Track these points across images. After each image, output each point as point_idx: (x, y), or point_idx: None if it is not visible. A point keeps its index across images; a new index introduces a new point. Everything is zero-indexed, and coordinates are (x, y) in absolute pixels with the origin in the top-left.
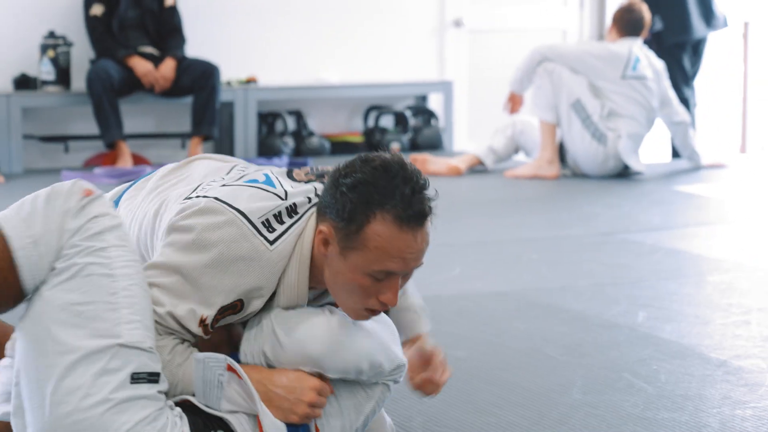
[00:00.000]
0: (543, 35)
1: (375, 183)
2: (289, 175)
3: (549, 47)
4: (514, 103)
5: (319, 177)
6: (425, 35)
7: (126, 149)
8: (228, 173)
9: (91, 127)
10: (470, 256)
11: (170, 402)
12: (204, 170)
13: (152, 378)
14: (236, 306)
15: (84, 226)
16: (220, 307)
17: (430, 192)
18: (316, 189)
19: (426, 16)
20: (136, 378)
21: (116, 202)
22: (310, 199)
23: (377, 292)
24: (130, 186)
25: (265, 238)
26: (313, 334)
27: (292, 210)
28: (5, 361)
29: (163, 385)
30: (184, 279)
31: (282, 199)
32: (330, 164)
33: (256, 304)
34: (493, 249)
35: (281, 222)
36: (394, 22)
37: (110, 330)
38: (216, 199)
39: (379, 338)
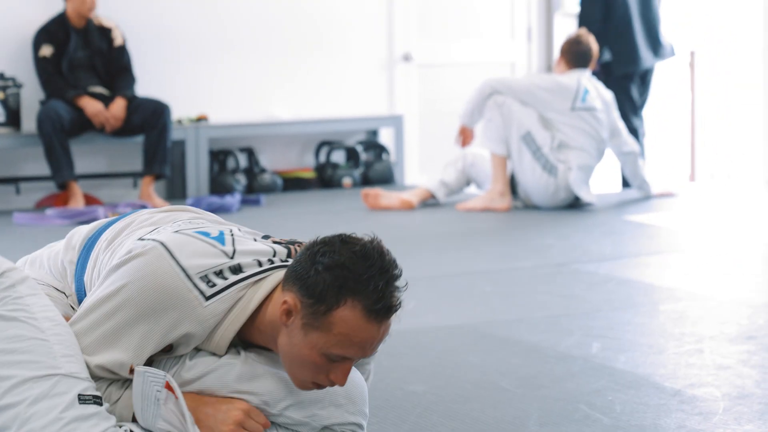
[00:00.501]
0: (492, 68)
1: (352, 269)
2: (265, 237)
3: (498, 80)
4: (465, 136)
5: (289, 243)
6: (375, 70)
7: (78, 190)
8: (189, 221)
9: (43, 168)
10: (424, 289)
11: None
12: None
13: (97, 400)
14: (165, 349)
15: None
16: (149, 355)
17: (400, 283)
18: (275, 252)
19: (375, 51)
20: (84, 399)
21: (94, 239)
22: (260, 262)
23: (328, 371)
24: (109, 225)
25: (201, 293)
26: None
27: (236, 269)
28: None
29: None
30: (114, 329)
31: (228, 257)
32: (282, 201)
33: (183, 349)
34: (446, 282)
35: (223, 278)
36: (344, 57)
37: (48, 362)
38: (162, 245)
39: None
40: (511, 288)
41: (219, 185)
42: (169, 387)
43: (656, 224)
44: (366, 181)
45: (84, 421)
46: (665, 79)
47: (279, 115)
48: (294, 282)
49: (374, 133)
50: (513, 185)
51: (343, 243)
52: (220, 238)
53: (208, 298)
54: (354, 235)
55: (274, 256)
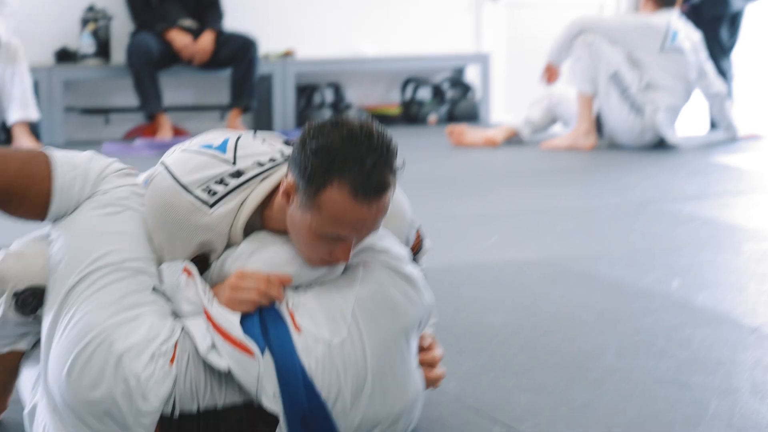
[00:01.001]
0: (580, 8)
1: (338, 150)
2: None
3: (588, 19)
4: (551, 74)
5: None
6: (463, 7)
7: (166, 121)
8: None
9: (132, 100)
10: (506, 225)
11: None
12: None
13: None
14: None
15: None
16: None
17: (396, 163)
18: (282, 152)
19: None
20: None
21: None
22: (260, 163)
23: (330, 249)
24: None
25: (204, 203)
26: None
27: (237, 174)
28: None
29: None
30: (154, 242)
31: (229, 164)
32: None
33: (214, 256)
34: (528, 218)
35: (224, 184)
36: None
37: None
38: (165, 167)
39: None
40: (593, 225)
41: (305, 120)
42: (186, 270)
43: (742, 166)
44: (451, 118)
45: (145, 305)
46: (755, 22)
47: (366, 51)
48: (290, 166)
49: (460, 70)
50: (599, 124)
51: (332, 126)
52: (222, 146)
53: (212, 206)
54: (346, 118)
55: (281, 156)
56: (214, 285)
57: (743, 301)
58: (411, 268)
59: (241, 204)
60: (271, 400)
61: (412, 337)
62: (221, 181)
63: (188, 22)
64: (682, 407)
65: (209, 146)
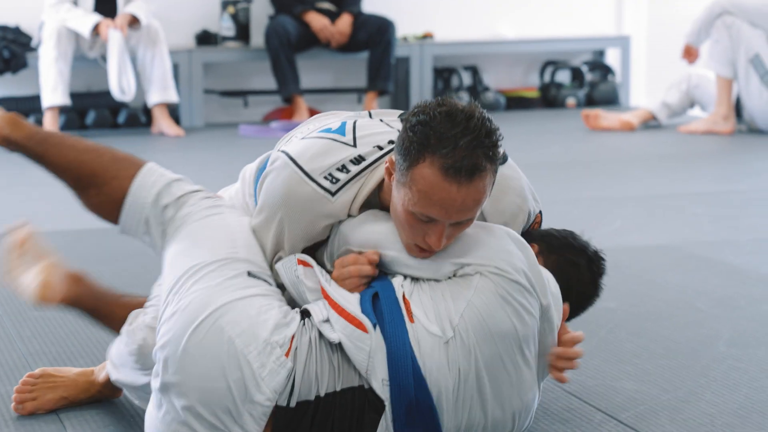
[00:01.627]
0: None
1: (435, 127)
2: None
3: (729, 0)
4: (690, 54)
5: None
6: None
7: (303, 104)
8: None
9: (270, 82)
10: (632, 209)
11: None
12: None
13: (268, 281)
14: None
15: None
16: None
17: (495, 151)
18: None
19: None
20: (252, 275)
21: (263, 168)
22: (380, 147)
23: (423, 232)
24: None
25: (327, 191)
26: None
27: (358, 160)
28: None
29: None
30: (271, 231)
31: (350, 147)
32: (504, 120)
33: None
34: (656, 203)
35: (346, 171)
36: None
37: (229, 251)
38: (286, 154)
39: None
40: (722, 210)
41: None
42: (301, 262)
43: None
44: (590, 101)
45: (248, 288)
46: None
47: (504, 33)
48: (395, 142)
49: (600, 53)
50: (738, 108)
51: (435, 105)
52: (341, 129)
53: (334, 194)
54: (450, 99)
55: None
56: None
57: None
58: (526, 278)
59: (360, 187)
60: (380, 385)
61: (527, 347)
62: (343, 168)
63: (326, 5)
64: None
65: (328, 130)
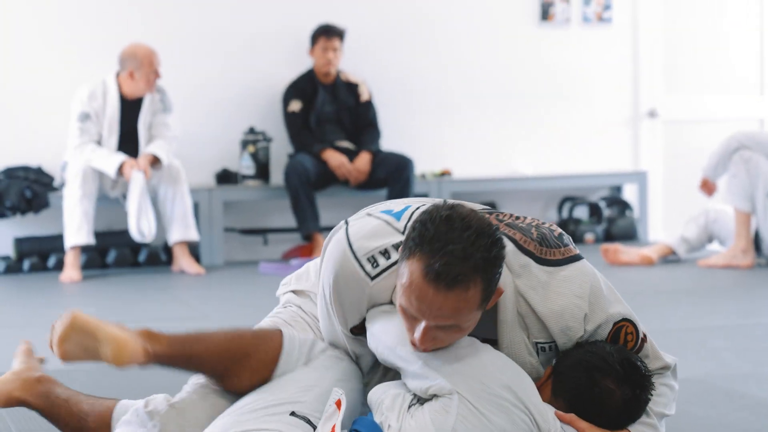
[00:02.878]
0: (739, 124)
1: (431, 228)
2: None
3: (746, 134)
4: (708, 189)
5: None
6: (619, 125)
7: (322, 241)
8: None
9: (290, 220)
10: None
11: None
12: None
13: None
14: None
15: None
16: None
17: (490, 269)
18: None
19: (620, 107)
20: (295, 414)
21: None
22: None
23: (411, 329)
24: None
25: (367, 274)
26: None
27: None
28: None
29: None
30: (324, 310)
31: (400, 233)
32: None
33: None
34: (677, 335)
35: (387, 257)
36: (588, 113)
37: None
38: (345, 226)
39: None
40: (744, 343)
41: None
42: (338, 403)
43: None
44: (608, 236)
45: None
46: None
47: (521, 170)
48: None
49: (618, 188)
50: (757, 242)
51: (444, 207)
52: (399, 213)
53: (373, 278)
54: (461, 205)
55: None
56: None
57: None
58: (514, 396)
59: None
60: None
61: None
62: (385, 252)
63: (345, 143)
64: None
65: (389, 212)
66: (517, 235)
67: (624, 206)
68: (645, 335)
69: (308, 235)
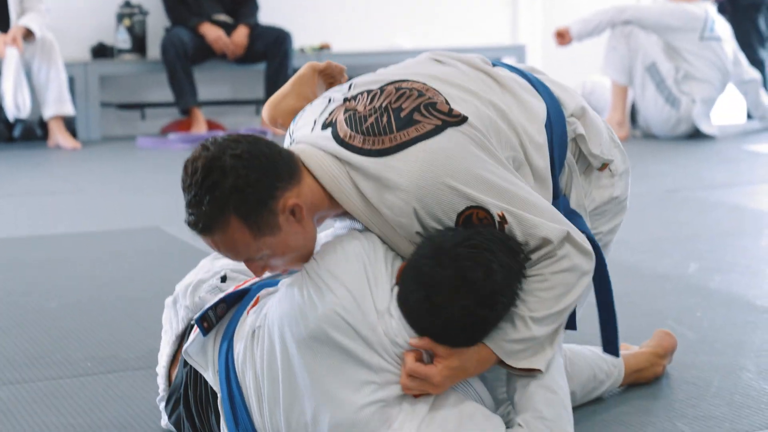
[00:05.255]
0: None
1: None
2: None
3: (627, 8)
4: (563, 38)
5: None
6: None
7: (200, 115)
8: None
9: (167, 95)
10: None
11: None
12: None
13: None
14: None
15: None
16: None
17: (226, 199)
18: None
19: None
20: None
21: None
22: None
23: None
24: None
25: None
26: None
27: None
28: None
29: None
30: None
31: None
32: None
33: None
34: None
35: None
36: None
37: None
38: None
39: None
40: None
41: None
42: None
43: None
44: None
45: None
46: None
47: (401, 44)
48: None
49: None
50: (633, 114)
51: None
52: None
53: None
54: (216, 143)
55: None
56: None
57: (758, 285)
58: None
59: None
60: None
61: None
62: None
63: (222, 17)
64: (684, 386)
65: None
66: (342, 131)
67: None
68: (503, 214)
69: (186, 109)
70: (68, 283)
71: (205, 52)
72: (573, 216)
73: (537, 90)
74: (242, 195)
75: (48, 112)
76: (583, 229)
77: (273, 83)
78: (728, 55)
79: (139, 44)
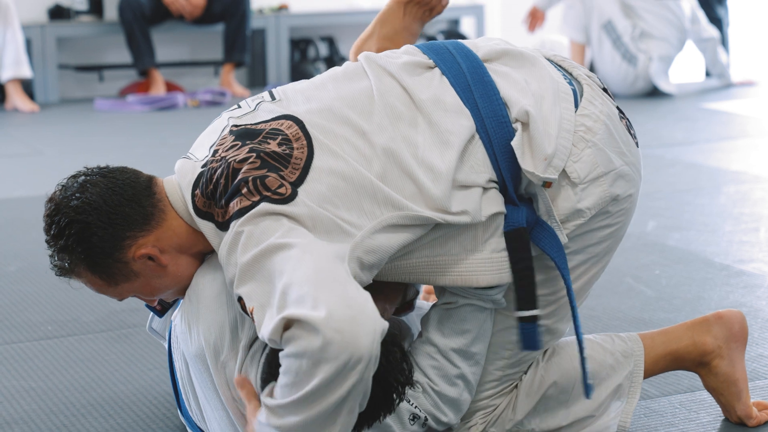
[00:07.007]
0: None
1: None
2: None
3: None
4: (535, 18)
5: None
6: None
7: (159, 77)
8: None
9: (125, 56)
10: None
11: None
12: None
13: None
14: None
15: None
16: None
17: (70, 251)
18: None
19: None
20: None
21: None
22: None
23: None
24: None
25: None
26: None
27: None
28: None
29: None
30: None
31: None
32: None
33: None
34: None
35: None
36: None
37: None
38: None
39: None
40: None
41: (299, 74)
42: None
43: (733, 111)
44: None
45: None
46: None
47: (360, 4)
48: None
49: (456, 22)
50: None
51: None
52: None
53: None
54: (76, 181)
55: None
56: None
57: (716, 242)
58: None
59: None
60: None
61: None
62: None
63: None
64: None
65: None
66: (196, 191)
67: (462, 39)
68: (252, 308)
69: (144, 71)
70: (27, 247)
71: (163, 13)
72: (540, 227)
73: (475, 97)
74: (85, 247)
75: (5, 75)
76: (546, 246)
77: (231, 44)
78: (686, 13)
79: (96, 5)
